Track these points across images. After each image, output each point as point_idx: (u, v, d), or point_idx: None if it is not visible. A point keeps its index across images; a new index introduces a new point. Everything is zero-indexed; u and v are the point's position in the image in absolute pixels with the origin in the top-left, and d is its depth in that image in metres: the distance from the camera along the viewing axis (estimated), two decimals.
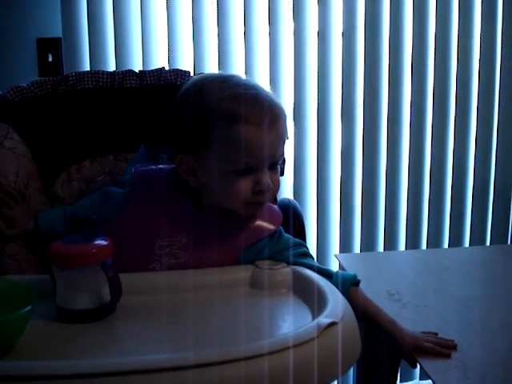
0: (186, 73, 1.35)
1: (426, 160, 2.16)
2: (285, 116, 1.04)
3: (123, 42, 1.93)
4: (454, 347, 1.02)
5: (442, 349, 1.01)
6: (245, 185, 1.00)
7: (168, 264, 1.04)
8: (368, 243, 2.17)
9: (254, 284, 1.02)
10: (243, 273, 1.03)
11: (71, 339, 0.84)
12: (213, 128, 0.99)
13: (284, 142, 1.04)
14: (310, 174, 2.09)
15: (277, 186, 1.05)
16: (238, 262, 1.06)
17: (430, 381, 0.94)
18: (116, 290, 0.89)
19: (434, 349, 1.01)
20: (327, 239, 2.13)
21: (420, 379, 2.35)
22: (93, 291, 0.89)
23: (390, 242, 2.19)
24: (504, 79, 2.14)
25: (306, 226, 2.04)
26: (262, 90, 1.03)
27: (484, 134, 2.18)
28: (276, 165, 1.04)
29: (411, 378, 2.38)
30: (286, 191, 2.04)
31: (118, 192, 1.13)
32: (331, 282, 1.00)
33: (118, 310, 0.92)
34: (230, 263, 1.06)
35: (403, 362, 2.23)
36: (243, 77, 1.10)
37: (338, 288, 0.97)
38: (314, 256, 2.06)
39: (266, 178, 1.00)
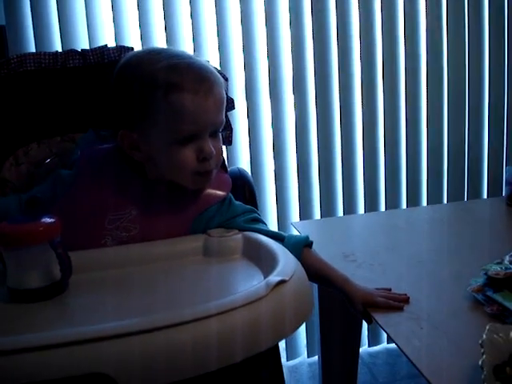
0: (130, 49, 1.34)
1: (379, 123, 2.19)
2: (221, 83, 1.04)
3: (68, 26, 1.90)
4: (406, 300, 1.04)
5: (394, 302, 1.03)
6: (188, 154, 1.00)
7: (119, 238, 1.04)
8: (328, 210, 2.19)
9: (207, 252, 1.02)
10: (195, 242, 1.04)
11: (22, 318, 0.84)
12: (150, 100, 0.99)
13: (223, 109, 1.04)
14: (266, 145, 2.10)
15: (220, 153, 1.06)
16: (189, 232, 1.07)
17: None
18: (66, 267, 0.89)
19: (386, 303, 1.03)
20: (287, 209, 2.15)
21: (388, 343, 2.40)
22: (43, 269, 0.88)
23: (350, 207, 2.21)
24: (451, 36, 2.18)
25: (265, 197, 2.08)
26: (196, 59, 1.03)
27: (435, 96, 2.22)
28: (217, 132, 1.04)
29: (379, 343, 2.43)
30: (243, 163, 2.05)
31: (66, 173, 1.12)
32: (283, 245, 1.01)
33: (70, 287, 0.91)
34: (181, 233, 1.06)
35: (370, 328, 2.30)
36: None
37: (290, 251, 0.98)
38: (275, 226, 2.09)
39: (208, 144, 1.01)
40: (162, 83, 0.98)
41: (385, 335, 2.38)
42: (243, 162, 2.06)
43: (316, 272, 1.08)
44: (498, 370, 0.76)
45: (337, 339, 1.57)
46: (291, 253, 0.98)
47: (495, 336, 0.81)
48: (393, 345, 2.31)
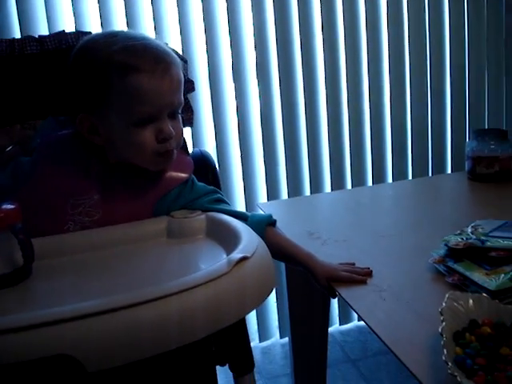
0: (88, 34, 1.33)
1: (343, 103, 2.20)
2: (179, 64, 1.04)
3: (27, 13, 1.87)
4: (369, 274, 1.06)
5: (357, 276, 1.04)
6: (147, 135, 1.00)
7: (82, 223, 1.03)
8: (295, 189, 2.20)
9: (170, 234, 1.03)
10: (158, 224, 1.04)
11: None
12: (107, 82, 0.99)
13: (181, 90, 1.04)
14: (232, 127, 2.10)
15: (180, 134, 1.06)
16: (152, 215, 1.07)
17: None
18: (28, 252, 0.88)
19: (350, 277, 1.04)
20: (254, 190, 2.16)
21: (358, 320, 2.43)
22: (5, 256, 0.88)
23: (316, 186, 2.23)
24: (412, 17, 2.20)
25: (232, 179, 2.09)
26: (153, 40, 1.03)
27: (397, 75, 2.24)
28: (176, 113, 1.04)
29: (350, 321, 2.46)
30: (209, 147, 2.05)
31: (26, 160, 1.11)
32: (246, 224, 1.02)
33: (34, 274, 0.91)
34: (144, 216, 1.06)
35: (341, 307, 2.32)
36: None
37: (253, 229, 0.99)
38: (243, 207, 2.10)
39: (167, 125, 1.01)
40: (118, 65, 0.97)
41: (355, 313, 2.41)
42: (209, 146, 2.06)
43: (280, 250, 1.09)
44: (458, 336, 0.78)
45: (306, 319, 1.59)
46: (257, 230, 0.99)
47: (455, 304, 0.83)
48: (363, 322, 2.34)
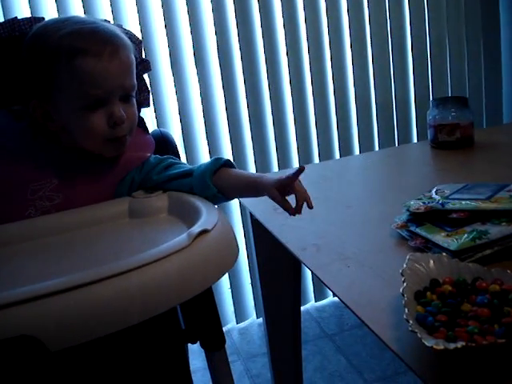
0: (41, 20, 1.31)
1: (306, 77, 2.21)
2: (129, 46, 1.03)
3: None
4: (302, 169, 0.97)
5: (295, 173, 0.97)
6: (98, 119, 1.00)
7: (43, 207, 1.02)
8: (262, 167, 2.22)
9: (133, 214, 1.02)
10: (120, 205, 1.03)
11: None
12: (56, 67, 0.98)
13: (132, 73, 1.03)
14: (196, 110, 2.10)
15: (132, 117, 1.05)
16: (113, 196, 1.07)
17: None
18: None
19: (294, 178, 0.97)
20: None
21: (334, 296, 2.45)
22: None
23: (284, 162, 2.24)
24: None
25: (199, 162, 2.08)
26: (101, 24, 1.02)
27: (359, 48, 2.25)
28: (129, 97, 1.03)
29: (325, 297, 2.48)
30: (175, 131, 2.05)
31: None
32: (192, 180, 1.03)
33: None
34: (106, 198, 1.05)
35: (316, 284, 2.33)
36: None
37: (199, 184, 1.01)
38: None
39: (118, 109, 1.00)
40: (65, 49, 0.97)
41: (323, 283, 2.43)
42: (174, 127, 2.06)
43: (236, 187, 1.04)
44: (419, 296, 0.79)
45: (277, 297, 1.60)
46: (201, 184, 1.00)
47: (416, 265, 0.84)
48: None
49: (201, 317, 1.13)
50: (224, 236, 0.85)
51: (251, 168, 2.20)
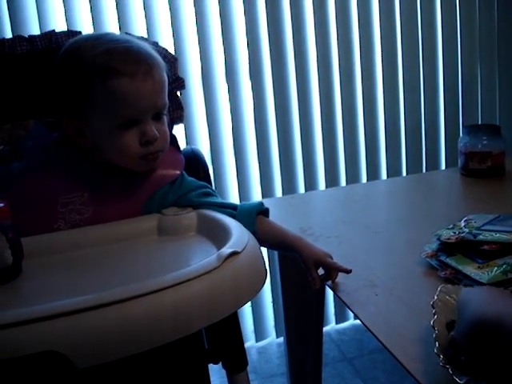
0: (78, 33, 1.32)
1: (336, 100, 2.21)
2: (162, 65, 1.04)
3: (18, 12, 1.87)
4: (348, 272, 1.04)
5: (342, 265, 1.03)
6: (130, 138, 1.00)
7: (72, 221, 1.03)
8: (289, 187, 2.21)
9: (161, 231, 1.02)
10: (149, 222, 1.03)
11: None
12: (90, 85, 0.99)
13: (165, 91, 1.04)
14: (225, 127, 2.10)
15: (164, 135, 1.05)
16: (142, 212, 1.06)
17: None
18: (17, 251, 0.87)
19: (334, 263, 1.03)
20: (248, 188, 2.16)
21: (354, 319, 2.43)
22: None
23: (311, 184, 2.23)
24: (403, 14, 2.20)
25: (226, 177, 2.09)
26: (135, 42, 1.03)
27: (390, 73, 2.24)
28: (161, 115, 1.04)
29: (346, 319, 2.46)
30: (203, 146, 2.05)
31: (16, 166, 1.11)
32: (237, 213, 1.04)
33: (23, 272, 0.90)
34: (134, 214, 1.05)
35: (337, 306, 2.32)
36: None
37: (243, 218, 1.01)
38: None
39: (151, 128, 1.01)
40: (99, 68, 0.97)
41: (351, 312, 2.40)
42: (203, 144, 2.06)
43: (271, 237, 1.08)
44: (451, 327, 0.77)
45: (299, 317, 1.58)
46: (244, 220, 1.00)
47: (447, 297, 0.83)
48: (360, 321, 2.33)
49: (225, 338, 1.12)
50: (253, 258, 0.84)
51: (277, 188, 2.20)
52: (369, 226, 1.31)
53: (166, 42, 1.94)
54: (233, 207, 1.07)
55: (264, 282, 0.86)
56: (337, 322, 2.46)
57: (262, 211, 1.10)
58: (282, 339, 2.32)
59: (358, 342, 2.35)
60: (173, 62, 1.19)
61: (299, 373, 1.69)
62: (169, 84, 1.07)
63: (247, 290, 0.81)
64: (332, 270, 1.04)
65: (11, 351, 0.65)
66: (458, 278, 0.98)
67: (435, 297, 0.82)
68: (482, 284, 0.91)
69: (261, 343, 2.39)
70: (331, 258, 1.05)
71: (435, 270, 1.03)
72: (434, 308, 0.79)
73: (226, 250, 0.81)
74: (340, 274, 1.04)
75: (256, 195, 2.17)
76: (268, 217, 1.12)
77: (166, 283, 0.72)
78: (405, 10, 2.21)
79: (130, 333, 0.69)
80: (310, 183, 2.23)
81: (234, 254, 0.80)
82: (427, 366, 0.75)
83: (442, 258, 1.04)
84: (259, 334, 2.38)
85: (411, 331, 0.84)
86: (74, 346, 0.66)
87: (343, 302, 0.96)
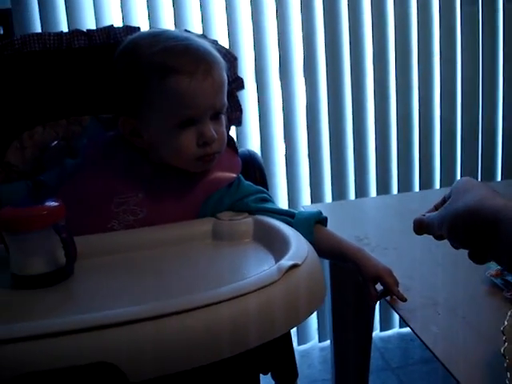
0: (136, 29, 1.30)
1: (391, 107, 2.16)
2: (222, 64, 1.01)
3: (75, 8, 1.87)
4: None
5: (400, 291, 0.99)
6: (188, 138, 0.98)
7: (126, 221, 1.01)
8: (339, 193, 2.17)
9: (216, 236, 0.99)
10: (204, 226, 1.01)
11: (27, 304, 0.81)
12: (148, 84, 0.97)
13: (224, 91, 1.01)
14: (277, 127, 2.07)
15: (222, 136, 1.03)
16: (197, 215, 1.04)
17: (409, 329, 0.92)
18: (71, 251, 0.86)
19: (392, 286, 0.99)
20: (298, 192, 2.13)
21: (400, 327, 2.38)
22: (47, 254, 0.86)
23: (361, 190, 2.19)
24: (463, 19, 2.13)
25: (276, 180, 2.06)
26: (195, 40, 1.01)
27: (448, 77, 2.18)
28: (219, 115, 1.02)
29: (391, 327, 2.41)
30: (254, 146, 2.03)
31: (71, 163, 1.10)
32: (294, 221, 1.01)
33: (76, 273, 0.89)
34: (189, 217, 1.03)
35: (382, 313, 2.27)
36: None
37: (300, 226, 0.97)
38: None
39: (209, 128, 0.99)
40: (158, 67, 0.96)
41: (397, 320, 2.36)
42: (253, 145, 2.04)
43: (329, 247, 1.04)
44: None
45: (349, 324, 1.54)
46: (302, 229, 0.96)
47: None
48: (405, 329, 2.29)
49: (276, 347, 1.09)
50: (314, 272, 0.81)
51: (327, 193, 2.16)
52: (427, 239, 1.25)
53: (221, 40, 1.92)
54: (290, 215, 1.04)
55: (324, 298, 0.82)
56: (381, 330, 2.41)
57: (320, 220, 1.06)
58: (324, 344, 2.30)
59: (403, 352, 2.30)
60: (232, 61, 1.16)
61: (344, 381, 1.65)
62: (228, 84, 1.04)
63: (307, 305, 0.78)
64: (388, 287, 1.00)
65: (64, 360, 0.63)
66: None
67: (505, 322, 0.77)
68: None
69: (303, 347, 2.36)
70: (391, 273, 1.00)
71: (500, 290, 0.98)
72: (504, 335, 0.75)
73: (286, 262, 0.77)
74: (400, 288, 1.00)
75: (305, 200, 2.14)
76: (326, 226, 1.08)
77: (224, 296, 0.69)
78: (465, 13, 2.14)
79: (186, 346, 0.67)
80: (361, 189, 2.19)
81: (294, 266, 0.77)
82: None
83: (509, 277, 0.99)
84: (301, 337, 2.35)
85: (477, 355, 0.80)
86: (129, 357, 0.64)
87: (403, 320, 0.92)
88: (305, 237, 0.93)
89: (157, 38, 1.00)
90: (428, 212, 0.82)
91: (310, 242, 0.92)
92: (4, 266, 0.87)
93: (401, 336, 2.40)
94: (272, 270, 0.75)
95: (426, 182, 2.25)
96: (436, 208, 0.81)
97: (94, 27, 1.82)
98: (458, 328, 0.88)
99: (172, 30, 1.08)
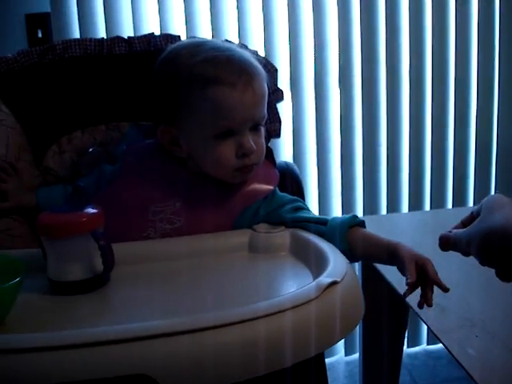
0: (176, 38, 1.31)
1: (426, 121, 2.14)
2: (263, 76, 1.01)
3: (113, 14, 1.88)
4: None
5: (440, 280, 0.92)
6: (227, 149, 0.98)
7: (163, 230, 1.01)
8: (371, 207, 2.15)
9: (252, 248, 0.99)
10: (241, 237, 1.00)
11: (65, 311, 0.82)
12: (188, 94, 0.97)
13: (264, 103, 1.01)
14: (309, 141, 2.06)
15: (261, 148, 1.02)
16: (233, 226, 1.04)
17: (437, 346, 0.91)
18: (108, 259, 0.86)
19: (434, 271, 0.93)
20: (329, 206, 2.12)
21: (428, 344, 2.34)
22: (84, 261, 0.86)
23: (393, 206, 2.17)
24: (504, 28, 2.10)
25: (308, 194, 2.05)
26: (237, 51, 1.00)
27: (485, 93, 2.15)
28: (259, 127, 1.01)
29: (419, 344, 2.37)
30: (286, 158, 2.02)
31: (109, 169, 1.11)
32: (325, 227, 0.98)
33: (112, 280, 0.89)
34: (225, 227, 1.03)
35: (410, 328, 2.24)
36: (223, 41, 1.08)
37: (333, 234, 0.95)
38: None
39: (248, 140, 0.98)
40: (199, 77, 0.96)
41: (424, 336, 2.33)
42: (286, 156, 2.03)
43: (366, 248, 0.99)
44: None
45: (381, 339, 1.53)
46: (334, 236, 0.95)
47: None
48: (432, 346, 2.26)
49: (308, 365, 1.08)
50: (352, 289, 0.80)
51: (358, 206, 2.15)
52: (463, 257, 1.24)
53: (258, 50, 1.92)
54: (322, 222, 1.01)
55: (361, 317, 0.81)
56: (408, 346, 2.38)
57: (355, 224, 1.01)
58: (351, 357, 2.27)
59: (431, 369, 2.26)
60: (273, 72, 1.16)
61: None
62: (268, 95, 1.04)
63: (345, 323, 0.76)
64: (429, 281, 0.92)
65: (101, 371, 0.63)
66: None
67: None
68: None
69: (328, 360, 2.33)
70: (433, 264, 0.94)
71: None
72: None
73: (325, 278, 0.76)
74: (436, 308, 0.97)
75: (336, 212, 2.13)
76: (364, 227, 1.03)
77: (262, 312, 0.68)
78: (504, 23, 2.11)
79: (223, 362, 0.66)
80: (393, 205, 2.17)
81: (333, 283, 0.76)
82: None
83: None
84: (328, 349, 2.32)
85: None
86: (166, 371, 0.64)
87: (440, 340, 0.91)
88: (337, 245, 0.92)
89: (198, 48, 1.00)
90: (454, 228, 0.80)
91: (343, 250, 0.91)
92: (41, 271, 0.87)
93: (428, 353, 2.36)
94: (310, 288, 0.74)
95: (460, 199, 2.22)
96: (463, 224, 0.79)
97: (131, 33, 1.85)
98: (498, 352, 0.86)
99: (213, 39, 1.07)
